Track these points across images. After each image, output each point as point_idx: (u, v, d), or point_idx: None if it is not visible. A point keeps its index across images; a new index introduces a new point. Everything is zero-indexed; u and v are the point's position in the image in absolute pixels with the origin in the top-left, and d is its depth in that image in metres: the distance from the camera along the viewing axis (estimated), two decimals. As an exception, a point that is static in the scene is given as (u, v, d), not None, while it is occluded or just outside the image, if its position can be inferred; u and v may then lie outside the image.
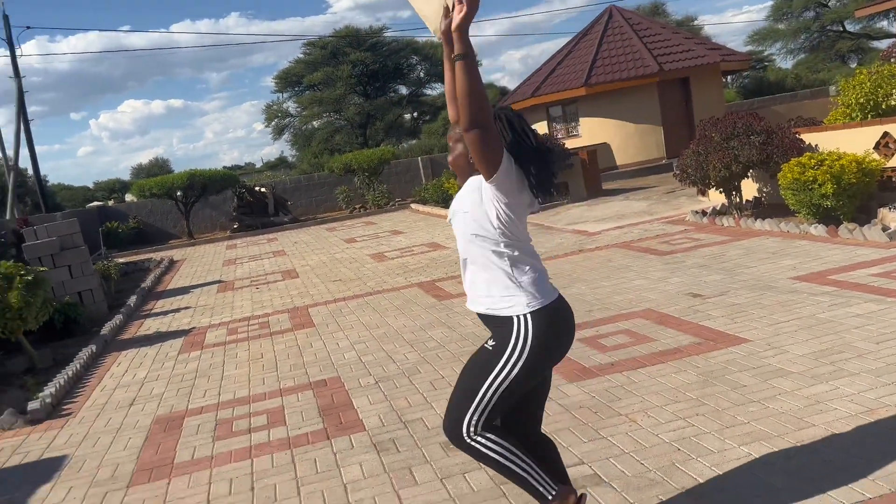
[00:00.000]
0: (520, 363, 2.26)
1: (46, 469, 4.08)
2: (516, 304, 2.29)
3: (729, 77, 30.94)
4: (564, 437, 3.45)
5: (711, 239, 8.16)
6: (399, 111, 41.31)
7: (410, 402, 4.27)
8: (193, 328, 7.64)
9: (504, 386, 2.27)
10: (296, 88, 40.52)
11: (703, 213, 9.54)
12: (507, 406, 2.33)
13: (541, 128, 18.71)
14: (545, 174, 2.28)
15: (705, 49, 19.17)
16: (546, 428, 3.56)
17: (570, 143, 17.04)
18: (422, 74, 41.94)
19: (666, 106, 18.60)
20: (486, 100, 2.12)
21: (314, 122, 40.23)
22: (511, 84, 70.07)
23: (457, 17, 2.09)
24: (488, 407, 2.29)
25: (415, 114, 44.38)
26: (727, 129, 8.86)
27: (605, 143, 18.47)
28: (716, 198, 9.99)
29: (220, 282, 11.03)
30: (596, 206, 13.23)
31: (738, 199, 9.14)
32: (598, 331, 5.19)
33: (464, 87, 2.09)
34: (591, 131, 18.96)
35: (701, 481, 2.86)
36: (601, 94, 18.33)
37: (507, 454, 2.29)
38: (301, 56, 39.78)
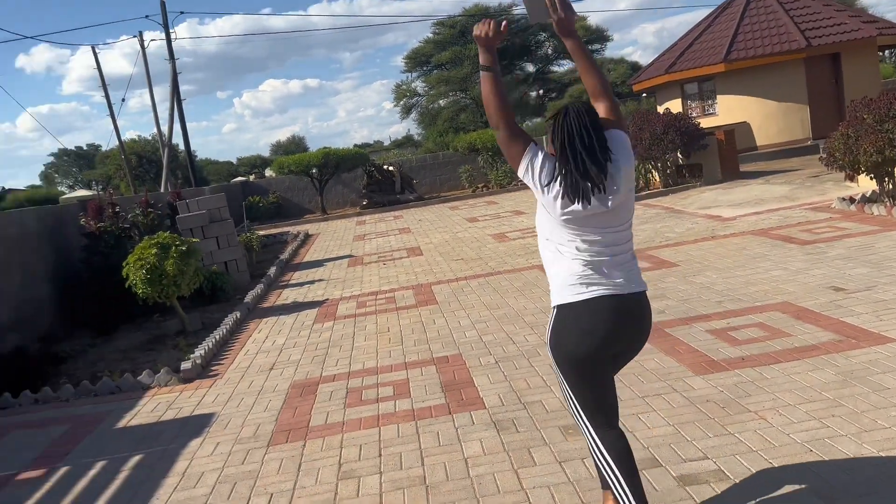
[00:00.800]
0: (552, 359, 2.48)
1: (197, 425, 4.51)
2: (552, 299, 2.50)
3: (887, 52, 28.14)
4: (688, 431, 3.39)
5: (859, 228, 7.56)
6: (525, 89, 40.96)
7: (530, 384, 4.33)
8: (326, 300, 8.08)
9: (562, 380, 2.48)
10: (424, 68, 41.13)
11: (851, 200, 8.84)
12: (588, 400, 2.42)
13: (674, 106, 17.94)
14: (569, 176, 2.26)
15: (860, 22, 17.57)
16: (669, 420, 3.53)
17: (705, 123, 16.23)
18: (549, 51, 41.29)
19: (813, 84, 17.27)
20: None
21: (440, 101, 40.72)
22: (644, 59, 67.36)
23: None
24: (572, 400, 2.46)
25: (540, 91, 43.84)
26: (882, 111, 8.13)
27: (744, 122, 17.45)
28: (866, 184, 9.23)
29: (350, 256, 11.55)
30: (732, 189, 12.58)
31: (890, 187, 8.40)
32: (728, 323, 5.00)
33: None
34: (729, 110, 17.96)
35: (834, 486, 2.73)
36: (742, 71, 17.30)
37: (598, 454, 2.44)
38: (430, 35, 40.28)
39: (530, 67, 42.28)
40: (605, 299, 2.34)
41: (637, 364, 4.39)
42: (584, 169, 2.23)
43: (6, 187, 54.52)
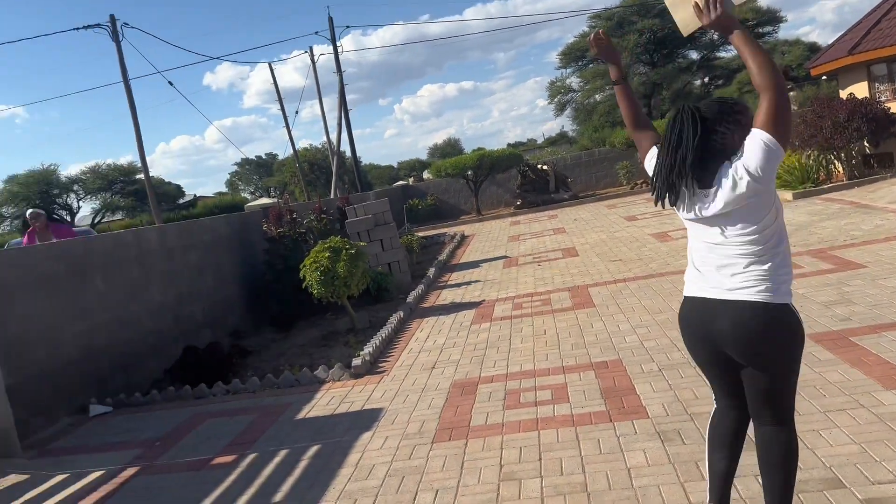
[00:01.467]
0: None
1: (366, 419, 4.80)
2: None
3: None
4: (877, 450, 3.11)
5: None
6: (687, 78, 39.03)
7: (697, 395, 4.16)
8: (483, 301, 8.24)
9: None
10: (579, 63, 40.48)
11: None
12: (709, 380, 2.63)
13: (859, 90, 16.28)
14: (654, 178, 2.43)
15: None
16: (855, 438, 3.25)
17: (896, 107, 14.59)
18: (715, 36, 38.99)
19: None
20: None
21: (596, 96, 39.88)
22: (822, 39, 61.58)
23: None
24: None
25: (705, 79, 41.55)
26: None
27: (945, 103, 15.45)
28: None
29: (505, 257, 11.67)
30: (930, 180, 11.22)
31: None
32: (926, 332, 4.50)
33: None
34: (927, 90, 15.99)
35: None
36: (942, 46, 15.33)
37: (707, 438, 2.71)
38: (586, 29, 39.57)
39: (694, 55, 40.23)
40: (693, 300, 2.47)
41: (818, 376, 4.08)
42: (664, 174, 2.35)
43: (197, 194, 60.67)
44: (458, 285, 9.72)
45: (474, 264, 11.51)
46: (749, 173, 2.21)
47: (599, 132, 33.05)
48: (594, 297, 7.40)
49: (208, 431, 5.07)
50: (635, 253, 9.71)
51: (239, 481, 4.06)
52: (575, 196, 21.08)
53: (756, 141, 2.21)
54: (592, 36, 2.69)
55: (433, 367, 5.76)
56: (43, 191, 47.70)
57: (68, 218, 49.04)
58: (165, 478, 4.28)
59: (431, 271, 10.77)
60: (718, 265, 2.37)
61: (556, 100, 42.24)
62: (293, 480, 3.95)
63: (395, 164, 72.98)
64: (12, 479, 4.59)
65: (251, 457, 4.42)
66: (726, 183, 2.25)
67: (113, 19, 22.66)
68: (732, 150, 2.28)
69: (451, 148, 71.70)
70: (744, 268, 2.33)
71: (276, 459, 4.30)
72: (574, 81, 41.37)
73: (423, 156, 75.34)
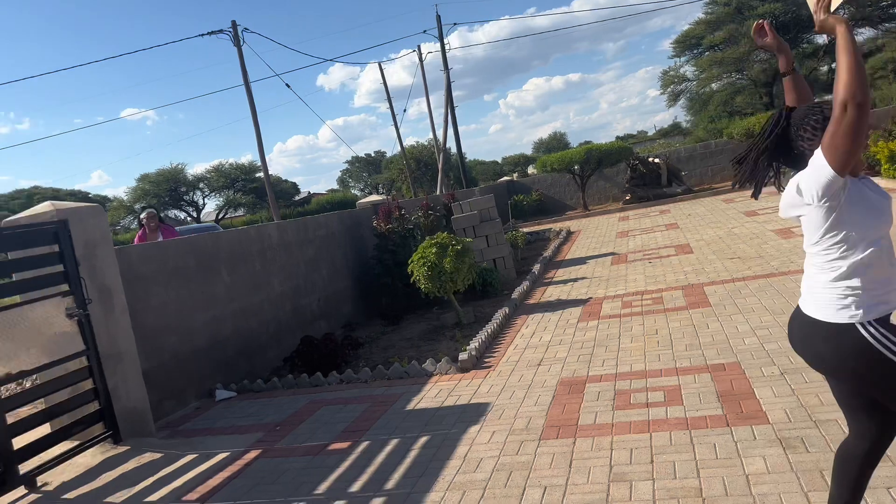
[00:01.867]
0: None
1: (473, 413, 4.86)
2: None
3: None
4: None
5: None
6: (813, 64, 36.57)
7: (822, 401, 3.93)
8: (590, 298, 8.11)
9: None
10: (694, 51, 38.83)
11: None
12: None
13: None
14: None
15: None
16: None
17: None
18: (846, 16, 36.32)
19: None
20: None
21: (713, 85, 38.12)
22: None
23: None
24: None
25: (832, 65, 38.77)
26: None
27: None
28: None
29: (613, 254, 11.43)
30: None
31: None
32: None
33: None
34: None
35: None
36: None
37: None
38: (701, 16, 37.87)
39: (820, 39, 37.62)
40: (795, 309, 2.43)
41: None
42: (747, 168, 2.41)
43: (311, 192, 63.19)
44: (564, 282, 9.61)
45: (581, 261, 11.34)
46: (798, 188, 2.21)
47: (716, 123, 31.64)
48: (710, 296, 7.11)
49: (324, 418, 5.30)
50: (755, 250, 9.25)
51: (353, 467, 4.22)
52: (689, 190, 20.28)
53: (813, 157, 2.16)
54: (755, 27, 2.57)
55: (539, 364, 5.74)
56: (171, 188, 51.21)
57: (194, 214, 52.40)
58: (285, 461, 4.51)
59: (536, 267, 10.71)
60: (806, 274, 2.38)
61: (668, 90, 40.72)
62: (404, 469, 4.07)
63: (499, 160, 72.90)
64: (148, 456, 5.00)
65: (364, 444, 4.58)
66: (786, 190, 2.27)
67: (234, 25, 23.96)
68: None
69: (556, 142, 70.80)
70: (811, 278, 2.32)
71: (388, 448, 4.44)
72: (688, 70, 39.74)
73: (528, 151, 74.79)
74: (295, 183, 58.90)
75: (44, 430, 5.10)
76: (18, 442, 4.68)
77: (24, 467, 4.64)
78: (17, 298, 5.00)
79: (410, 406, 5.24)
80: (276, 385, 6.47)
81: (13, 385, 6.88)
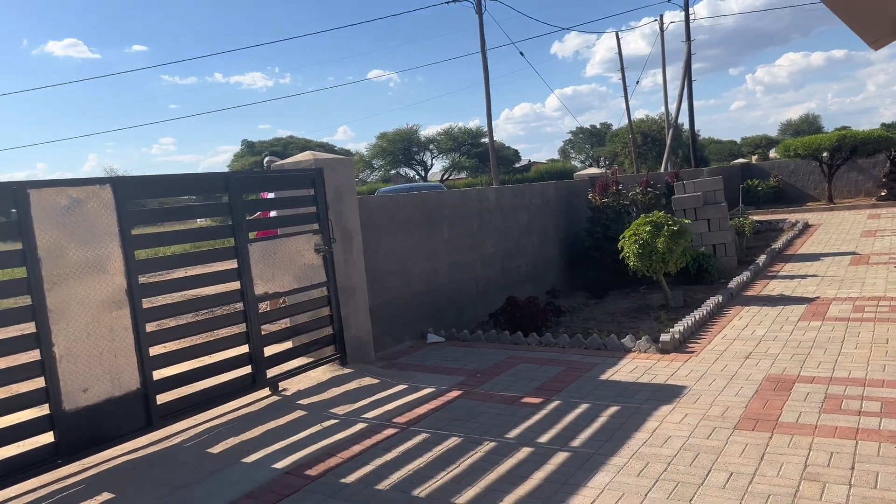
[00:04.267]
0: None
1: (668, 393, 4.87)
2: None
3: None
4: None
5: None
6: None
7: None
8: (817, 297, 7.52)
9: None
10: None
11: None
12: None
13: None
14: None
15: None
16: None
17: None
18: None
19: None
20: None
21: None
22: None
23: None
24: None
25: None
26: None
27: None
28: None
29: (853, 253, 10.35)
30: None
31: None
32: None
33: None
34: None
35: None
36: None
37: None
38: None
39: None
40: None
41: None
42: None
43: (531, 160, 63.83)
44: (791, 277, 8.95)
45: (814, 257, 10.43)
46: None
47: None
48: (964, 311, 6.27)
49: (521, 373, 5.63)
50: None
51: (542, 421, 4.50)
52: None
53: None
54: None
55: (747, 357, 5.54)
56: (405, 148, 54.74)
57: (422, 173, 55.66)
58: (482, 405, 4.92)
59: (762, 259, 10.06)
60: None
61: (955, 73, 34.84)
62: (591, 431, 4.25)
63: (737, 140, 67.67)
64: (367, 380, 5.70)
65: (555, 402, 4.83)
66: None
67: (478, -7, 24.80)
68: None
69: (806, 125, 64.04)
70: None
71: (578, 410, 4.64)
72: None
73: (773, 132, 68.51)
74: (516, 150, 59.90)
75: (286, 345, 6.03)
76: (267, 352, 5.61)
77: (270, 373, 5.55)
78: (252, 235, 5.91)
79: (604, 376, 5.38)
80: (479, 337, 6.93)
81: (265, 304, 8.11)
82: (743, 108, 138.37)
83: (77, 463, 4.24)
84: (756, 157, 45.44)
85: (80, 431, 4.15)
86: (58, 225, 4.07)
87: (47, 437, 4.10)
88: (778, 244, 11.63)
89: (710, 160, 52.50)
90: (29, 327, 4.01)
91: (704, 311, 6.99)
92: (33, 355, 4.01)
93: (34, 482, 4.04)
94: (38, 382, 4.05)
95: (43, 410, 4.08)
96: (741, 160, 26.38)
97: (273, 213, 6.52)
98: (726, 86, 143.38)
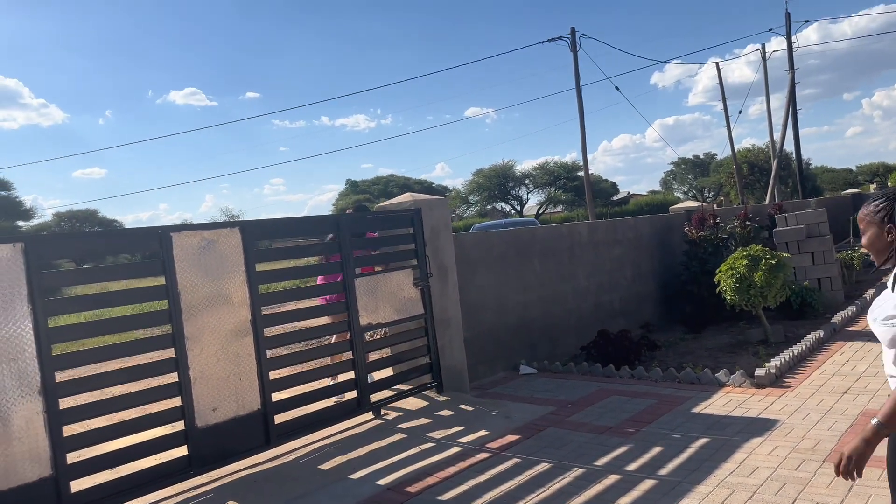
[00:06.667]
0: None
1: (759, 426, 4.89)
2: None
3: None
4: None
5: None
6: None
7: None
8: (929, 333, 7.20)
9: None
10: None
11: None
12: None
13: None
14: None
15: None
16: None
17: None
18: None
19: None
20: None
21: None
22: None
23: None
24: None
25: None
26: None
27: None
28: None
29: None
30: None
31: None
32: None
33: None
34: None
35: None
36: None
37: None
38: None
39: None
40: None
41: None
42: None
43: (630, 192, 62.84)
44: (902, 312, 8.56)
45: (931, 291, 9.89)
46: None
47: None
48: None
49: (611, 405, 5.78)
50: None
51: (631, 451, 4.65)
52: None
53: None
54: None
55: (845, 392, 5.45)
56: (500, 183, 55.26)
57: (518, 208, 55.96)
58: (571, 433, 5.12)
59: (870, 293, 9.67)
60: None
61: None
62: (679, 461, 4.37)
63: (853, 168, 63.98)
64: (462, 408, 6.01)
65: (644, 434, 4.96)
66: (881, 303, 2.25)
67: (573, 32, 25.17)
68: None
69: (931, 151, 59.73)
70: None
71: (667, 441, 4.76)
72: None
73: (893, 159, 64.33)
74: (614, 183, 59.20)
75: (387, 371, 6.45)
76: (370, 378, 6.04)
77: (374, 398, 5.97)
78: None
79: (696, 409, 5.44)
80: (571, 369, 7.11)
81: (369, 334, 8.63)
82: (860, 134, 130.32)
83: (205, 475, 4.76)
84: (875, 185, 42.85)
85: (209, 447, 4.68)
86: (194, 263, 4.67)
87: (181, 451, 4.64)
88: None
89: (822, 189, 49.90)
90: (169, 353, 4.61)
91: (804, 346, 6.87)
92: (172, 377, 4.59)
93: (169, 489, 4.59)
94: (176, 402, 4.62)
95: (178, 427, 4.64)
96: (853, 190, 25.08)
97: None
98: (840, 112, 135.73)
